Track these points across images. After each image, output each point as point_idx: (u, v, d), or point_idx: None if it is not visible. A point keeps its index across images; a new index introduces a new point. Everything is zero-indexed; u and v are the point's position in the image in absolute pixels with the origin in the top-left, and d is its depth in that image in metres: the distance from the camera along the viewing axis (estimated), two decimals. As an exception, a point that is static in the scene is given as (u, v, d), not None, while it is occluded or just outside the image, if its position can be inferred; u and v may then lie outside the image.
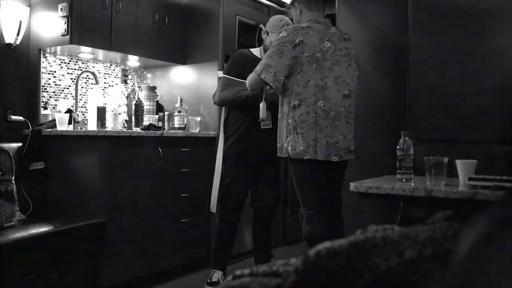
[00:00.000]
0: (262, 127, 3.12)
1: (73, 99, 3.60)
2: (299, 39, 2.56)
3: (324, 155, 2.58)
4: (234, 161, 3.26)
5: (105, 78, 3.90)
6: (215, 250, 3.36)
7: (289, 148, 2.62)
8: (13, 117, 3.14)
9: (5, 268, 2.28)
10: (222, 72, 3.38)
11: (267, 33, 3.26)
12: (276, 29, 3.22)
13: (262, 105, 2.97)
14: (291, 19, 3.27)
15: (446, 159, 2.02)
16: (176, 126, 3.81)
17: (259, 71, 2.61)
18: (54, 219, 2.75)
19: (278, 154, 2.77)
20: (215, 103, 3.38)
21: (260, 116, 2.96)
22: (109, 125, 3.46)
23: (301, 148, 2.58)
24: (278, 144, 2.76)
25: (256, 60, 3.25)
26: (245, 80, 3.10)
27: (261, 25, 3.45)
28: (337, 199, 2.77)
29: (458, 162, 2.09)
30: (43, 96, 3.43)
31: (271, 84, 2.61)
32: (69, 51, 3.50)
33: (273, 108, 3.10)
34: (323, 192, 2.66)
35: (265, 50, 3.28)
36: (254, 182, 3.29)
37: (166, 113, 3.88)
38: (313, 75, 2.57)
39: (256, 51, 3.38)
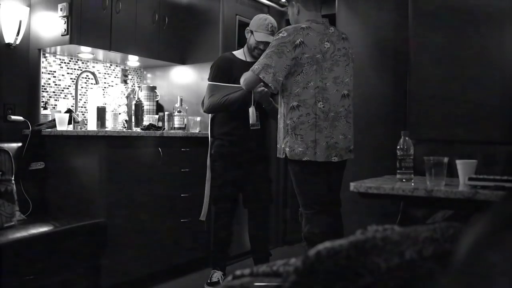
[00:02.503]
0: (251, 128, 3.09)
1: (73, 99, 3.60)
2: (299, 40, 2.54)
3: (324, 156, 2.57)
4: (224, 162, 3.26)
5: (105, 78, 3.90)
6: (213, 251, 3.36)
7: (287, 149, 2.61)
8: (13, 117, 3.14)
9: (5, 268, 2.28)
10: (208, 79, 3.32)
11: (252, 32, 3.24)
12: (261, 28, 3.20)
13: (251, 110, 2.99)
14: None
15: (446, 159, 2.02)
16: (176, 126, 3.81)
17: (258, 71, 2.57)
18: (54, 219, 2.75)
19: (277, 155, 2.77)
20: (204, 111, 3.34)
21: (250, 122, 3.00)
22: (109, 125, 3.46)
23: (300, 149, 2.58)
24: (277, 145, 2.76)
25: (240, 62, 3.25)
26: (232, 84, 3.11)
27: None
28: (336, 199, 2.77)
29: (458, 162, 2.09)
30: (43, 96, 3.43)
31: (270, 85, 2.57)
32: (69, 51, 3.50)
33: (260, 109, 3.14)
34: (322, 192, 2.66)
35: (249, 49, 3.27)
36: (245, 182, 3.29)
37: (166, 113, 3.88)
38: (313, 76, 2.55)
39: (239, 53, 3.35)
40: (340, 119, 2.62)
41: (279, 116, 2.74)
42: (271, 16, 4.35)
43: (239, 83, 2.91)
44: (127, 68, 4.08)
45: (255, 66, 2.60)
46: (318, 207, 2.64)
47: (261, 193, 3.33)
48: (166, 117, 3.83)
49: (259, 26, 3.21)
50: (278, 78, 2.55)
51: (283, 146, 2.65)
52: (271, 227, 4.06)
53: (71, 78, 3.63)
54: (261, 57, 2.63)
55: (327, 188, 2.68)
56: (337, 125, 2.60)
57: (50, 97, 3.50)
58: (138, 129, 3.51)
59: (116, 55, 3.67)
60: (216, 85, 3.21)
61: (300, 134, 2.57)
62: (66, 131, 3.10)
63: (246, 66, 3.20)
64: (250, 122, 3.00)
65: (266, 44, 3.21)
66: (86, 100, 3.68)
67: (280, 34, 2.59)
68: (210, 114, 3.40)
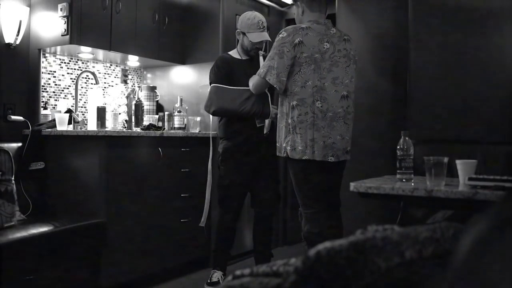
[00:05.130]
0: (258, 125, 3.17)
1: (73, 99, 3.60)
2: (298, 39, 2.56)
3: (321, 156, 2.58)
4: (232, 162, 3.25)
5: (105, 78, 3.90)
6: (215, 251, 3.36)
7: (288, 148, 2.63)
8: (13, 117, 3.14)
9: (5, 268, 2.28)
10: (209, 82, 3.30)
11: (243, 33, 3.22)
12: (252, 28, 3.19)
13: (268, 121, 3.20)
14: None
15: (446, 159, 2.02)
16: (176, 126, 3.81)
17: (263, 74, 2.64)
18: (54, 219, 2.75)
19: (277, 154, 2.78)
20: (211, 113, 3.29)
21: (265, 131, 3.20)
22: (109, 125, 3.46)
23: (299, 148, 2.59)
24: (277, 144, 2.76)
25: (238, 61, 3.26)
26: (237, 87, 3.12)
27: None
28: (336, 199, 2.78)
29: (458, 162, 2.09)
30: (43, 96, 3.43)
31: (275, 86, 2.63)
32: (69, 51, 3.50)
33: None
34: (321, 192, 2.66)
35: (245, 50, 3.26)
36: (253, 182, 3.29)
37: (166, 113, 3.88)
38: (311, 75, 2.57)
39: (234, 53, 3.34)
40: (338, 120, 2.62)
41: (279, 115, 2.75)
42: (272, 16, 4.36)
43: (241, 83, 3.02)
44: (127, 68, 4.08)
45: (261, 70, 2.67)
46: (317, 207, 2.64)
47: (269, 194, 3.32)
48: (166, 117, 3.83)
49: (250, 26, 3.19)
50: (281, 78, 2.60)
51: (284, 144, 2.67)
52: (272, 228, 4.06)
53: (71, 78, 3.63)
54: (266, 60, 2.69)
55: (326, 188, 2.68)
56: (335, 126, 2.61)
57: (50, 97, 3.50)
58: (138, 129, 3.51)
59: (116, 55, 3.67)
60: (221, 87, 3.19)
61: (300, 133, 2.59)
62: (66, 131, 3.10)
63: (244, 64, 3.23)
64: (265, 131, 3.20)
65: (263, 42, 3.23)
66: (86, 100, 3.68)
67: (280, 35, 2.63)
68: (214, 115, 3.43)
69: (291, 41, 2.56)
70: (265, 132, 3.19)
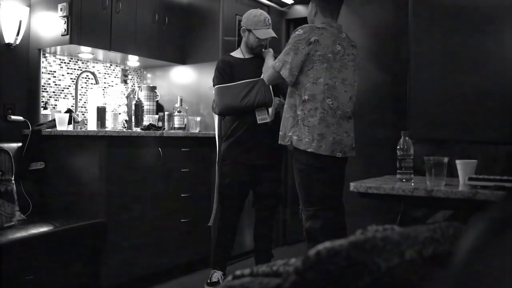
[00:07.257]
0: (259, 122, 3.16)
1: (73, 99, 3.59)
2: (314, 38, 2.65)
3: (329, 151, 2.65)
4: (233, 161, 3.25)
5: (105, 78, 3.90)
6: (215, 250, 3.36)
7: (294, 137, 2.70)
8: (13, 117, 3.14)
9: (5, 268, 2.28)
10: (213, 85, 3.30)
11: (248, 31, 3.23)
12: (259, 25, 3.20)
13: (271, 110, 3.18)
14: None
15: (446, 159, 2.02)
16: (176, 126, 3.81)
17: (279, 68, 2.71)
18: (54, 219, 2.75)
19: (279, 142, 2.82)
20: (218, 114, 3.32)
21: (269, 119, 3.16)
22: (109, 125, 3.46)
23: (306, 140, 2.66)
24: (280, 132, 2.80)
25: (240, 60, 3.26)
26: (239, 82, 3.13)
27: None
28: (339, 195, 2.80)
29: (458, 162, 2.09)
30: (43, 96, 3.43)
31: (287, 80, 2.70)
32: (69, 51, 3.50)
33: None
34: (325, 189, 2.69)
35: (250, 48, 3.27)
36: (255, 182, 3.28)
37: (166, 113, 3.88)
38: (323, 73, 2.65)
39: (237, 53, 3.35)
40: (345, 118, 2.71)
41: (287, 105, 2.80)
42: (272, 16, 4.36)
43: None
44: (127, 68, 4.07)
45: (276, 64, 2.74)
46: (320, 205, 2.68)
47: (270, 194, 3.32)
48: (166, 117, 3.83)
49: (257, 23, 3.21)
50: (293, 73, 2.68)
51: (289, 134, 2.73)
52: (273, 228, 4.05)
53: (71, 78, 3.63)
54: (281, 54, 2.76)
55: (330, 184, 2.71)
56: (342, 124, 2.70)
57: (50, 97, 3.49)
58: (138, 129, 3.51)
59: (116, 55, 3.67)
60: (225, 87, 3.20)
61: (308, 125, 2.66)
62: (66, 131, 3.10)
63: (247, 63, 3.23)
64: (269, 119, 3.16)
65: (267, 39, 3.24)
66: (86, 100, 3.68)
67: (297, 32, 2.71)
68: (216, 116, 3.43)
69: (306, 39, 2.65)
70: (269, 120, 3.17)
